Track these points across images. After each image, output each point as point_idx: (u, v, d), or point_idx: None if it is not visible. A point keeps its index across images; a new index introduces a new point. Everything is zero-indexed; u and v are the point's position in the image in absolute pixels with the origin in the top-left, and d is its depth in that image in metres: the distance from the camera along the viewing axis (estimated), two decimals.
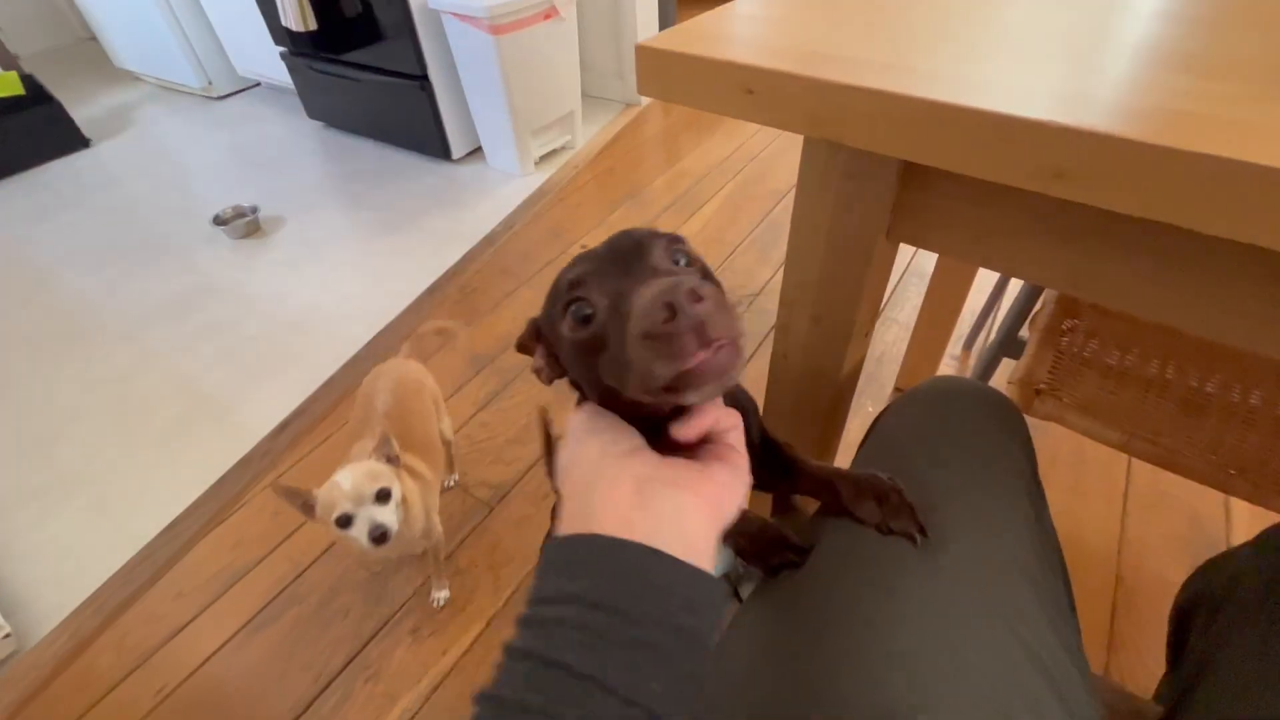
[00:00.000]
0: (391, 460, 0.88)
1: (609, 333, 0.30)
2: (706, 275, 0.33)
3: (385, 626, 1.03)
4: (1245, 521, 1.08)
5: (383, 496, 0.83)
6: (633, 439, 0.32)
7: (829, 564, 0.40)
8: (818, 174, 0.42)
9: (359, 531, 0.81)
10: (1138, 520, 1.10)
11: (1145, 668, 0.93)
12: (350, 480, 0.82)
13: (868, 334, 0.53)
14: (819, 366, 0.53)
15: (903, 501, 0.38)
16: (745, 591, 0.47)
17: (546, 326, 0.36)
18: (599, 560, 0.26)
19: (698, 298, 0.26)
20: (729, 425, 0.34)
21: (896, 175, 0.38)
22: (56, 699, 0.98)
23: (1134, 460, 1.17)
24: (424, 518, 0.94)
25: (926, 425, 0.46)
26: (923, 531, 0.37)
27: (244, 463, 1.29)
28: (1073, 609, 0.43)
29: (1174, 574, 1.03)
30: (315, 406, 1.40)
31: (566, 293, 0.32)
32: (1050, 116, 0.25)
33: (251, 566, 1.12)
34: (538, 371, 0.38)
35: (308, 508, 0.81)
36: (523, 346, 0.39)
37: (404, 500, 0.88)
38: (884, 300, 1.62)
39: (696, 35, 0.36)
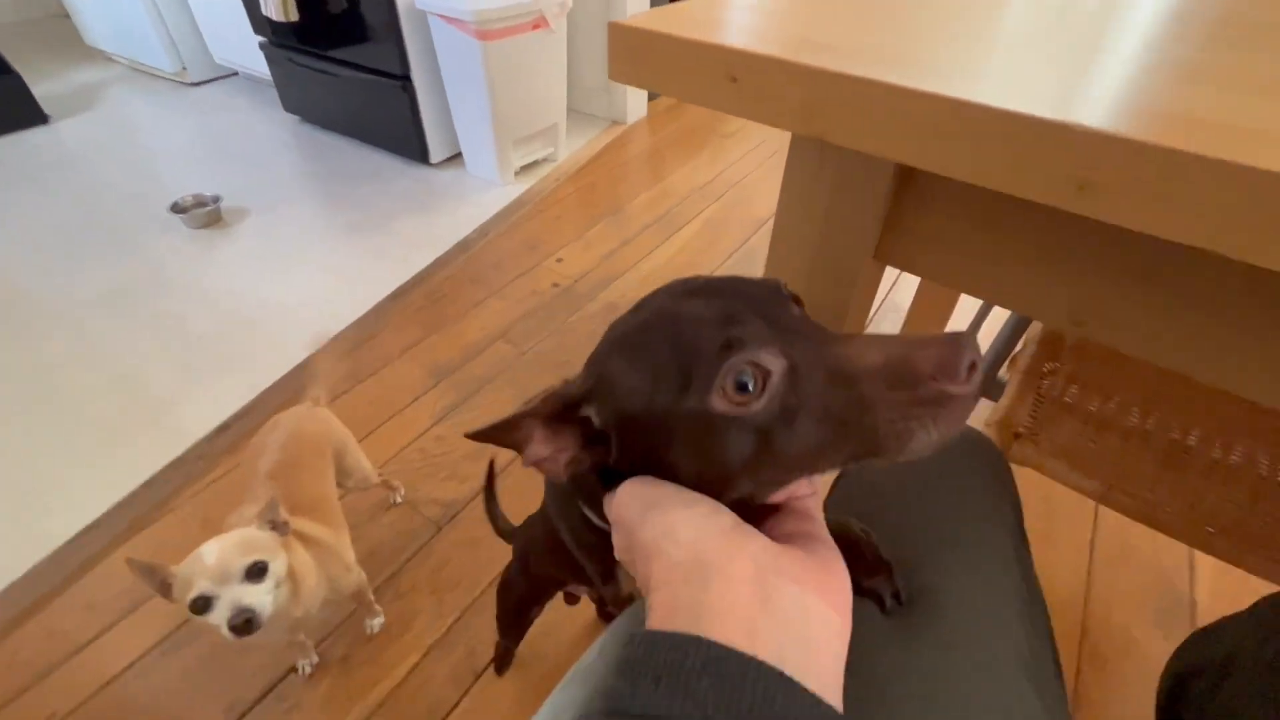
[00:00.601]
0: (278, 528, 0.74)
1: (804, 400, 0.24)
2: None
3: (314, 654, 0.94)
4: (1210, 578, 1.07)
5: (255, 573, 0.68)
6: (727, 511, 0.26)
7: None
8: (803, 184, 0.38)
9: (219, 618, 0.65)
10: (1104, 572, 1.08)
11: None
12: (216, 553, 0.67)
13: None
14: None
15: (876, 557, 0.34)
16: None
17: (620, 393, 0.27)
18: (716, 679, 0.20)
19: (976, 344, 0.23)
20: (810, 489, 0.29)
21: (889, 188, 0.35)
22: None
23: (1100, 511, 1.16)
24: (322, 589, 0.80)
25: (915, 475, 0.43)
26: (897, 597, 0.32)
27: (176, 464, 1.20)
28: (1059, 674, 0.39)
29: (1139, 630, 1.01)
30: (260, 409, 1.31)
31: (719, 353, 0.24)
32: (1073, 119, 0.22)
33: None
34: (540, 465, 0.29)
35: (165, 587, 0.66)
36: (544, 402, 0.28)
37: (292, 575, 0.74)
38: (868, 319, 1.61)
39: (677, 17, 0.32)
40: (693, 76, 0.30)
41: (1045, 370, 0.69)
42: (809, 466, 0.26)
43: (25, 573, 1.03)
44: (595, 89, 2.51)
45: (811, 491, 0.29)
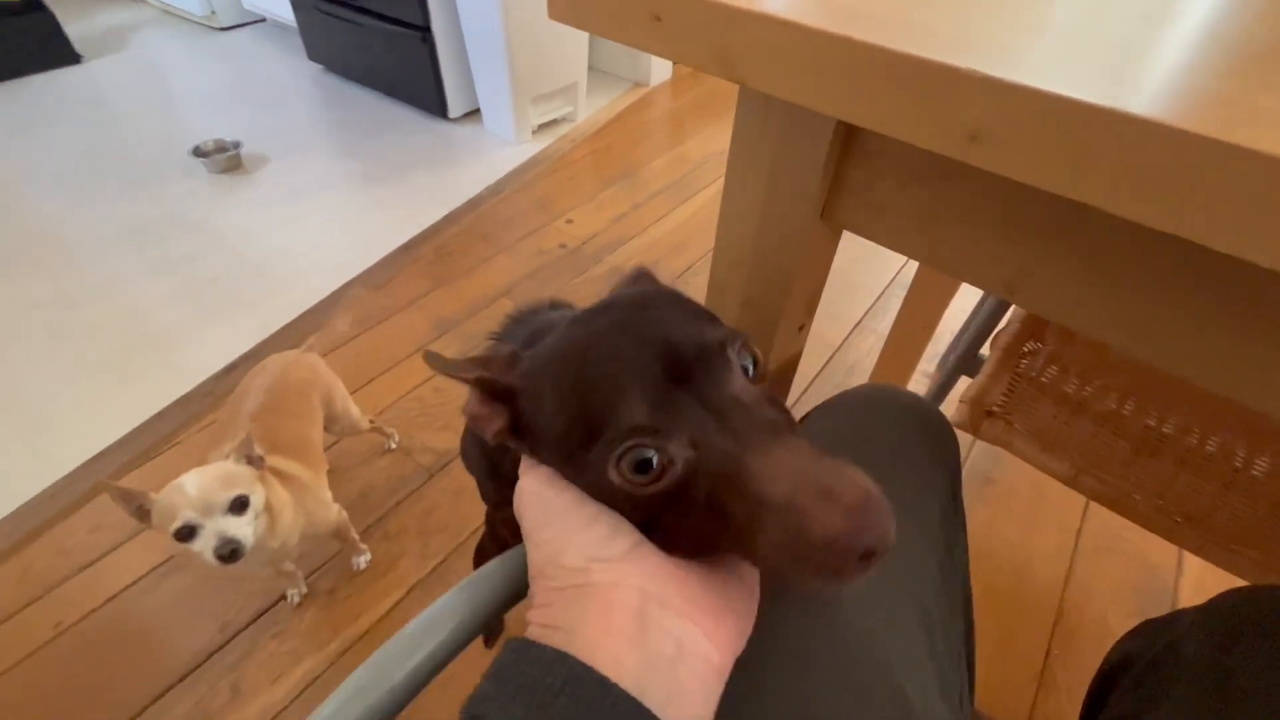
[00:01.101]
0: (253, 462, 0.76)
1: (698, 494, 0.23)
2: (765, 375, 0.28)
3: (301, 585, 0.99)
4: (1196, 576, 1.06)
5: (238, 506, 0.71)
6: (629, 531, 0.25)
7: None
8: (750, 142, 0.38)
9: (203, 546, 0.68)
10: (1088, 561, 1.07)
11: (1074, 710, 0.90)
12: (197, 485, 0.69)
13: (802, 328, 0.49)
14: None
15: None
16: None
17: (539, 423, 0.27)
18: (571, 701, 0.20)
19: (890, 526, 0.21)
20: None
21: (831, 144, 0.34)
22: None
23: (1090, 503, 1.15)
24: (299, 524, 0.83)
25: (844, 435, 0.43)
26: None
27: (183, 401, 1.25)
28: (968, 655, 0.39)
29: (1116, 620, 1.00)
30: (265, 352, 1.35)
31: (624, 436, 0.24)
32: (965, 65, 0.21)
33: None
34: (479, 419, 0.29)
35: (143, 513, 0.69)
36: (477, 381, 0.29)
37: (269, 509, 0.77)
38: (867, 308, 1.59)
39: None
40: (619, 16, 0.30)
41: (1026, 350, 0.67)
42: (697, 552, 0.26)
43: (38, 494, 1.08)
44: (619, 49, 2.46)
45: None
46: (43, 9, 2.40)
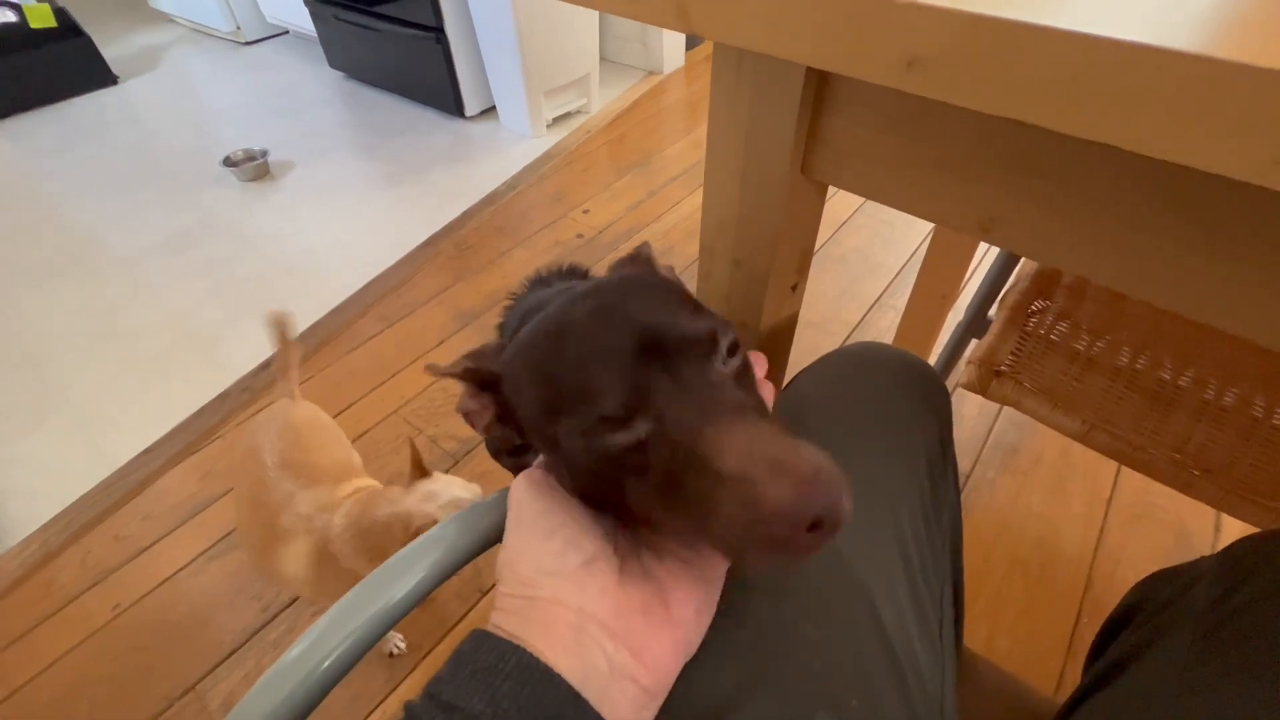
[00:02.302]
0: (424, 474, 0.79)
1: (657, 467, 0.24)
2: (746, 366, 0.28)
3: None
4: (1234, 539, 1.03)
5: None
6: (589, 544, 0.27)
7: None
8: (727, 98, 0.39)
9: None
10: (1118, 529, 1.05)
11: None
12: (462, 488, 0.78)
13: (795, 287, 0.50)
14: (741, 319, 0.50)
15: None
16: None
17: (519, 404, 0.29)
18: (517, 684, 0.22)
19: (841, 498, 0.21)
20: None
21: (802, 95, 0.35)
22: (15, 608, 1.01)
23: (1123, 469, 1.12)
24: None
25: (835, 389, 0.43)
26: None
27: (222, 397, 1.31)
28: (955, 595, 0.40)
29: None
30: (298, 347, 1.40)
31: (590, 418, 0.24)
32: None
33: (216, 498, 1.14)
34: (468, 416, 0.31)
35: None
36: (464, 373, 0.31)
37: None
38: (885, 285, 1.57)
39: None
40: None
41: (1034, 308, 0.67)
42: (665, 530, 0.27)
43: (94, 486, 1.15)
44: (630, 39, 2.47)
45: None
46: (81, 34, 2.51)
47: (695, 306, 0.29)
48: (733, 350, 0.27)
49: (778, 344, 0.53)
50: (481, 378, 0.31)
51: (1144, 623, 0.41)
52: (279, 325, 0.95)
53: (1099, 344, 0.64)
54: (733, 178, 0.42)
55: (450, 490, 0.76)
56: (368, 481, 0.87)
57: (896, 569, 0.33)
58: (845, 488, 0.21)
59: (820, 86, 0.36)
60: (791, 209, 0.42)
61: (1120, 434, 0.61)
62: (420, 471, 0.79)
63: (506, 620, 0.25)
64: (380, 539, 0.72)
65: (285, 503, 0.78)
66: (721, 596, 0.29)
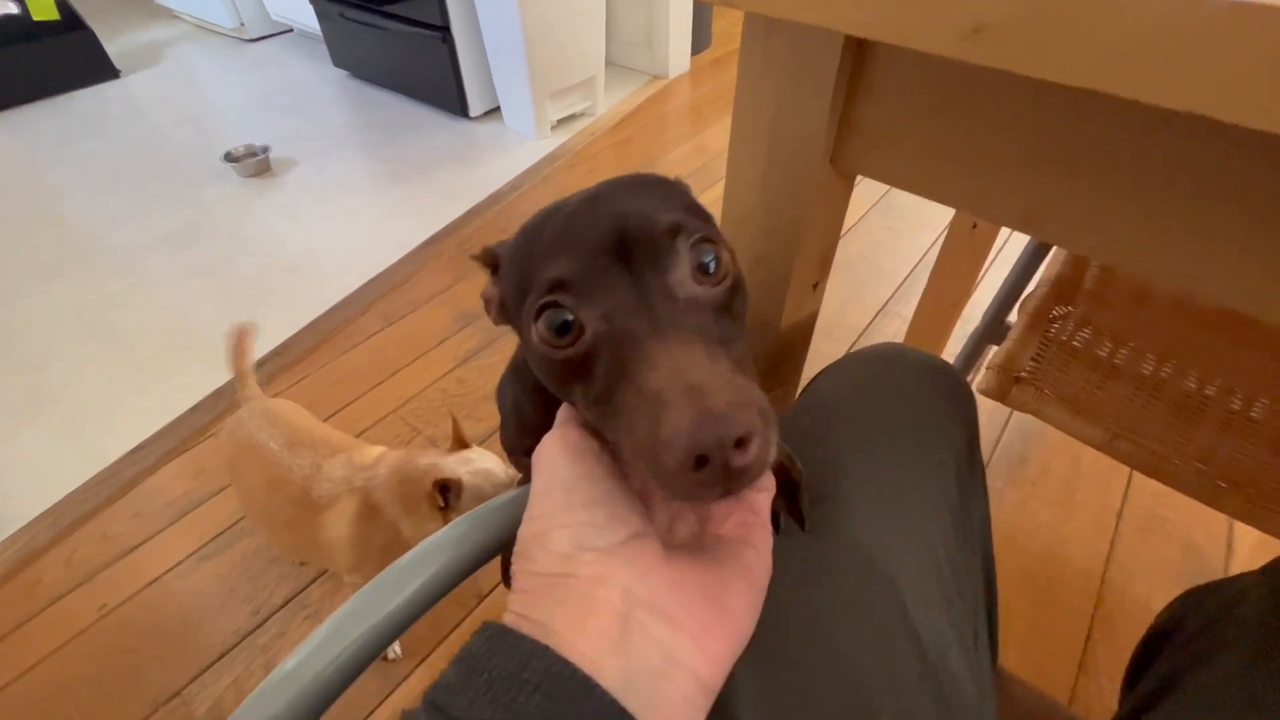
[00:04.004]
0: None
1: (600, 369, 0.23)
2: (737, 285, 0.26)
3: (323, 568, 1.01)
4: (1246, 557, 1.01)
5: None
6: (635, 518, 0.23)
7: None
8: (753, 80, 0.37)
9: None
10: (1129, 542, 1.03)
11: (1115, 694, 0.86)
12: (495, 463, 0.81)
13: (816, 285, 0.48)
14: (762, 317, 0.48)
15: (787, 479, 0.32)
16: None
17: (506, 282, 0.28)
18: (547, 699, 0.19)
19: (743, 444, 0.19)
20: (761, 487, 0.26)
21: (837, 77, 0.33)
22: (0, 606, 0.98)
23: (1133, 481, 1.11)
24: None
25: (859, 391, 0.42)
26: (800, 521, 0.32)
27: (217, 394, 1.28)
28: (989, 607, 0.38)
29: (1160, 603, 0.94)
30: (295, 347, 1.38)
31: (543, 290, 0.23)
32: None
33: (209, 496, 1.11)
34: (488, 302, 0.31)
35: (457, 494, 0.77)
36: (481, 253, 0.31)
37: None
38: (891, 293, 1.56)
39: None
40: None
41: (1055, 314, 0.65)
42: (607, 436, 0.24)
43: (83, 483, 1.13)
44: (636, 43, 2.46)
45: (767, 488, 0.26)
46: (83, 28, 2.50)
47: (690, 207, 0.27)
48: (717, 272, 0.25)
49: (796, 344, 0.51)
50: (495, 261, 0.30)
51: (1190, 641, 0.39)
52: (238, 336, 0.96)
53: (1122, 351, 0.63)
54: (756, 168, 0.41)
55: (484, 461, 0.80)
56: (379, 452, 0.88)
57: (931, 579, 0.31)
58: (759, 435, 0.19)
59: (855, 68, 0.34)
60: (818, 201, 0.40)
61: (1144, 444, 0.60)
62: (459, 444, 0.84)
63: (531, 605, 0.21)
64: (413, 488, 0.76)
65: (313, 474, 0.80)
66: None
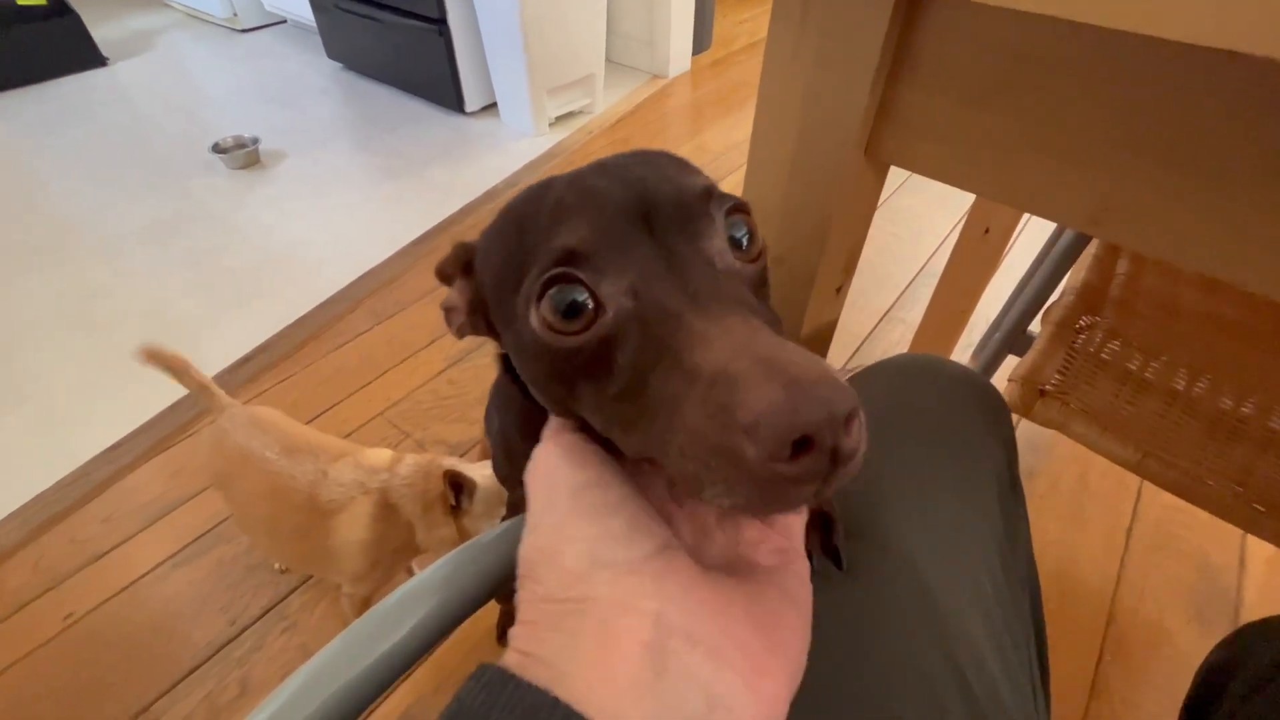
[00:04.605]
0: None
1: (625, 358, 0.18)
2: (767, 266, 0.23)
3: (312, 578, 0.96)
4: (1260, 575, 0.98)
5: None
6: (654, 530, 0.19)
7: None
8: (783, 61, 0.33)
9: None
10: (1140, 560, 1.00)
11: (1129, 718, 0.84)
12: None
13: (840, 289, 0.44)
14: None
15: (818, 510, 0.28)
16: None
17: (486, 271, 0.23)
18: None
19: (850, 422, 0.15)
20: (795, 515, 0.22)
21: (881, 54, 0.29)
22: None
23: (1143, 498, 1.08)
24: None
25: (893, 404, 0.38)
26: (836, 558, 0.28)
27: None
28: (1039, 636, 0.34)
29: (1173, 622, 0.93)
30: (280, 344, 1.34)
31: (549, 261, 0.19)
32: None
33: (186, 499, 1.06)
34: (449, 312, 0.26)
35: (469, 495, 0.77)
36: (443, 274, 0.26)
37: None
38: (895, 298, 1.53)
39: None
40: None
41: (1082, 324, 0.62)
42: (621, 447, 0.20)
43: (52, 484, 1.07)
44: (637, 41, 2.43)
45: (800, 516, 0.22)
46: (70, 13, 2.44)
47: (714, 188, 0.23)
48: (752, 246, 0.21)
49: (816, 352, 0.48)
50: (466, 256, 0.25)
51: (1255, 689, 0.35)
52: (166, 362, 0.88)
53: (1153, 365, 0.59)
54: (782, 159, 0.37)
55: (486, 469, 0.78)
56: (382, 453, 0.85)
57: (978, 620, 0.28)
58: (852, 398, 0.15)
59: (899, 47, 0.30)
60: (849, 195, 0.37)
61: (1177, 464, 0.56)
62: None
63: (539, 640, 0.17)
64: (435, 484, 0.75)
65: (319, 480, 0.77)
66: None
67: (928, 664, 0.25)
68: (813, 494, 0.16)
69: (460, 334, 0.26)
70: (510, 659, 0.17)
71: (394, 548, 0.79)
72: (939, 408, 0.37)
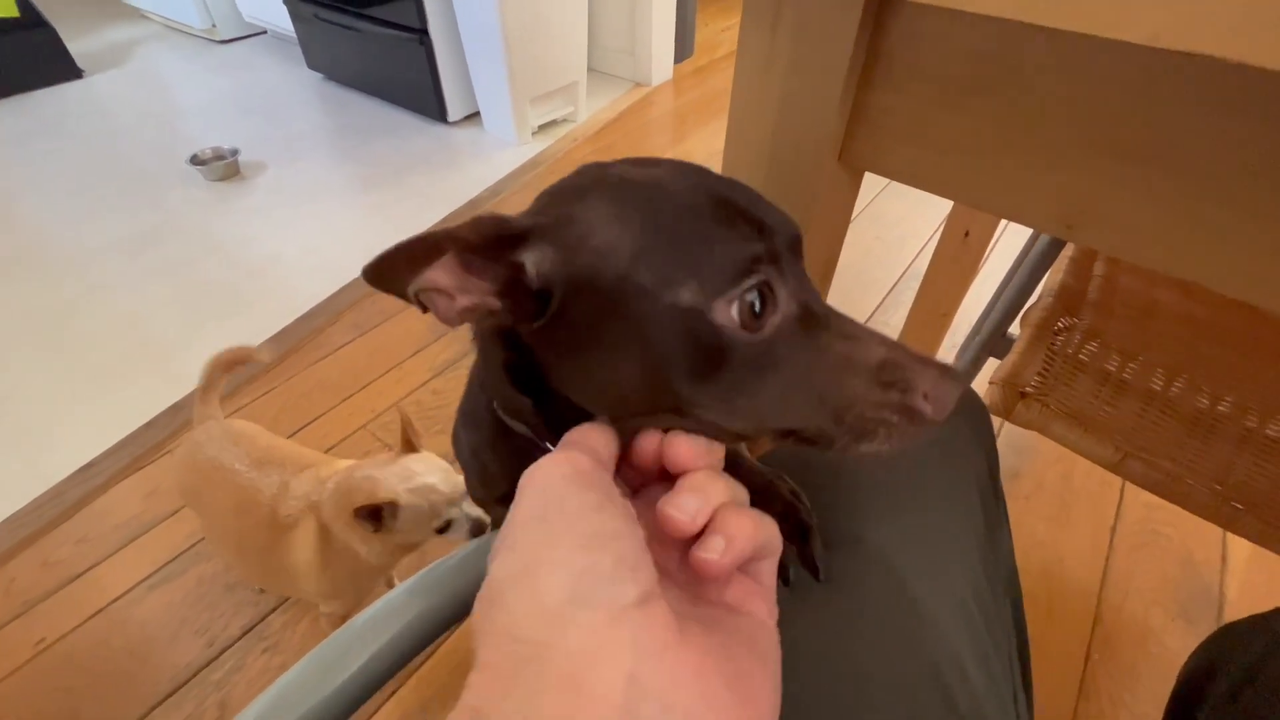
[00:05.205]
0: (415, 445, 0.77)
1: (780, 353, 0.22)
2: None
3: (292, 597, 0.94)
4: (1241, 572, 0.99)
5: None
6: (641, 572, 0.18)
7: None
8: (756, 61, 0.33)
9: (458, 533, 0.72)
10: (1124, 559, 1.01)
11: (1116, 719, 0.84)
12: (444, 479, 0.72)
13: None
14: None
15: (797, 523, 0.29)
16: None
17: (597, 256, 0.21)
18: None
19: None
20: (767, 538, 0.21)
21: (851, 58, 0.29)
22: None
23: (1125, 496, 1.09)
24: None
25: None
26: (814, 570, 0.27)
27: (175, 409, 1.21)
28: (1021, 638, 0.34)
29: (1158, 620, 0.94)
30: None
31: (750, 261, 0.21)
32: None
33: (163, 518, 1.04)
34: (430, 294, 0.22)
35: (392, 514, 0.68)
36: (469, 245, 0.22)
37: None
38: (879, 302, 1.53)
39: None
40: None
41: (1060, 326, 0.62)
42: (752, 421, 0.23)
43: (24, 505, 1.05)
44: (619, 50, 2.44)
45: (773, 542, 0.22)
46: (44, 25, 2.40)
47: None
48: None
49: None
50: (499, 233, 0.22)
51: (1235, 693, 0.35)
52: (231, 358, 0.89)
53: (1131, 365, 0.60)
54: (757, 167, 0.37)
55: (429, 475, 0.73)
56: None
57: (963, 636, 0.27)
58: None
59: (871, 48, 0.30)
60: (824, 202, 0.36)
61: (1156, 463, 0.57)
62: (409, 446, 0.76)
63: (498, 694, 0.16)
64: (352, 499, 0.69)
65: (281, 493, 0.75)
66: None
67: (908, 672, 0.25)
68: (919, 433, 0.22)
69: (460, 320, 0.23)
70: (462, 717, 0.16)
71: (347, 570, 0.75)
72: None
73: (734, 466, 0.31)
